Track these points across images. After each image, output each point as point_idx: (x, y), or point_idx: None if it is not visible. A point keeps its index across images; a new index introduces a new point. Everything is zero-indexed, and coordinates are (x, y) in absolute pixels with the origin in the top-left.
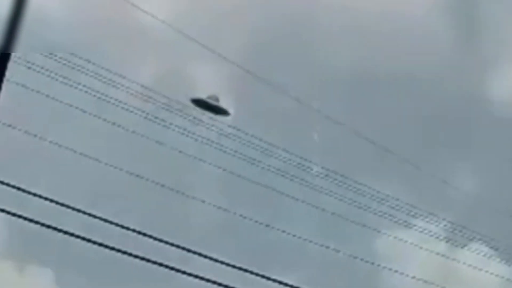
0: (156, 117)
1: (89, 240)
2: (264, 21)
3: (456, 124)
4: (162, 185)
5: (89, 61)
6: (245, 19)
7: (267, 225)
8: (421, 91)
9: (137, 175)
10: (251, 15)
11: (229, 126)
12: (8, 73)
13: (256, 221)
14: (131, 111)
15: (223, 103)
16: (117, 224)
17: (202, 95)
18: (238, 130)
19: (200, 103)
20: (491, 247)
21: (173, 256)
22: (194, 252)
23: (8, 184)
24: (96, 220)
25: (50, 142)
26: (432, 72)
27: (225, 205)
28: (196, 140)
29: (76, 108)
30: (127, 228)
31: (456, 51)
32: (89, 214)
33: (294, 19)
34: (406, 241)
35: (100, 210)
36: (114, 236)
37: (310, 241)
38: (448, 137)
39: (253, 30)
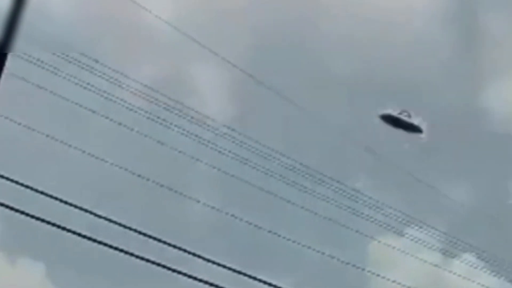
0: (158, 117)
1: (85, 237)
2: (267, 25)
3: (453, 134)
4: (162, 185)
5: (91, 59)
6: (248, 23)
7: (259, 227)
8: (419, 100)
9: (139, 175)
10: (254, 18)
11: (229, 128)
12: (10, 68)
13: (250, 223)
14: (126, 107)
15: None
16: (110, 221)
17: (392, 111)
18: (239, 133)
19: (390, 120)
20: (482, 259)
21: (169, 256)
22: (194, 254)
23: (6, 178)
24: (91, 216)
25: (46, 136)
26: (430, 82)
27: (227, 208)
28: (197, 141)
29: (76, 104)
30: (124, 226)
31: (455, 61)
32: (85, 210)
33: (297, 25)
34: (394, 248)
35: (103, 208)
36: (108, 234)
37: (303, 245)
38: (444, 147)
39: (255, 34)
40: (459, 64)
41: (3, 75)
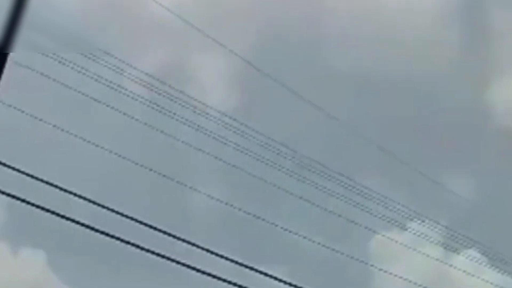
0: (163, 107)
1: (87, 227)
2: (273, 20)
3: (459, 130)
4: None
5: (96, 48)
6: (255, 18)
7: (262, 219)
8: (426, 96)
9: (142, 164)
10: (261, 14)
11: (231, 118)
12: (15, 56)
13: (250, 213)
14: (132, 96)
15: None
16: (112, 210)
17: None
18: (241, 124)
19: None
20: (484, 254)
21: (170, 246)
22: (197, 246)
23: (9, 166)
24: (94, 206)
25: (49, 124)
26: (437, 79)
27: (232, 200)
28: (198, 131)
29: (81, 93)
30: (125, 216)
31: (462, 59)
32: (87, 200)
33: (303, 23)
34: (397, 242)
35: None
36: (110, 224)
37: (307, 238)
38: (450, 142)
39: (262, 29)
40: (465, 61)
41: (3, 75)
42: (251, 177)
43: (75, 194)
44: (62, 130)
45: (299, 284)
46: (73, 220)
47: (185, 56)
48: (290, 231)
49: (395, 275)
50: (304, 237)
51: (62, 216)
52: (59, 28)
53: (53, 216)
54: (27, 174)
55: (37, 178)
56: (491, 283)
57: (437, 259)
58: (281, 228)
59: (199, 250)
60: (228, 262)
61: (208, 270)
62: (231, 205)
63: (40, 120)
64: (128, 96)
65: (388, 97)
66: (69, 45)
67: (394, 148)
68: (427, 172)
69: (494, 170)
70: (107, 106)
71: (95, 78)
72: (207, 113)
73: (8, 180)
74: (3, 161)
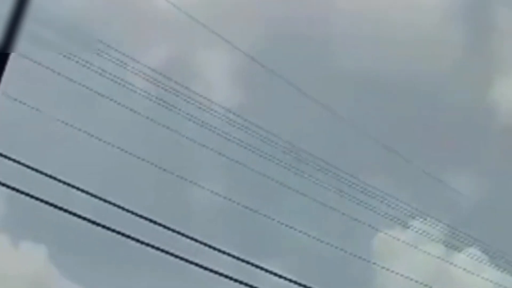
0: (166, 102)
1: (89, 221)
2: (277, 19)
3: (462, 129)
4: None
5: (100, 41)
6: (259, 16)
7: (265, 216)
8: (429, 95)
9: (144, 159)
10: (265, 12)
11: (235, 114)
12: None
13: (253, 210)
14: (135, 91)
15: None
16: (114, 205)
17: None
18: (245, 120)
19: None
20: (486, 252)
21: (171, 241)
22: (200, 242)
23: (10, 158)
24: (96, 200)
25: (52, 118)
26: (441, 78)
27: (235, 196)
28: (202, 127)
29: (84, 87)
30: (126, 210)
31: (466, 58)
32: (90, 194)
33: (307, 21)
34: (399, 240)
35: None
36: (112, 218)
37: (308, 235)
38: (453, 141)
39: (266, 27)
40: (469, 60)
41: (3, 76)
42: (255, 173)
43: (77, 188)
44: (66, 124)
45: (300, 281)
46: (75, 214)
47: (190, 51)
48: (292, 228)
49: (397, 273)
50: (307, 235)
51: (65, 210)
52: (64, 22)
53: (55, 209)
54: (29, 167)
55: (39, 171)
56: (493, 282)
57: (439, 257)
58: (284, 225)
59: (201, 245)
60: (230, 258)
61: (210, 266)
62: (234, 201)
63: (43, 113)
64: (132, 90)
65: (391, 95)
66: (73, 39)
67: (398, 147)
68: (430, 171)
69: (497, 169)
70: (111, 100)
71: (99, 72)
72: (211, 109)
73: (9, 173)
74: (5, 153)
